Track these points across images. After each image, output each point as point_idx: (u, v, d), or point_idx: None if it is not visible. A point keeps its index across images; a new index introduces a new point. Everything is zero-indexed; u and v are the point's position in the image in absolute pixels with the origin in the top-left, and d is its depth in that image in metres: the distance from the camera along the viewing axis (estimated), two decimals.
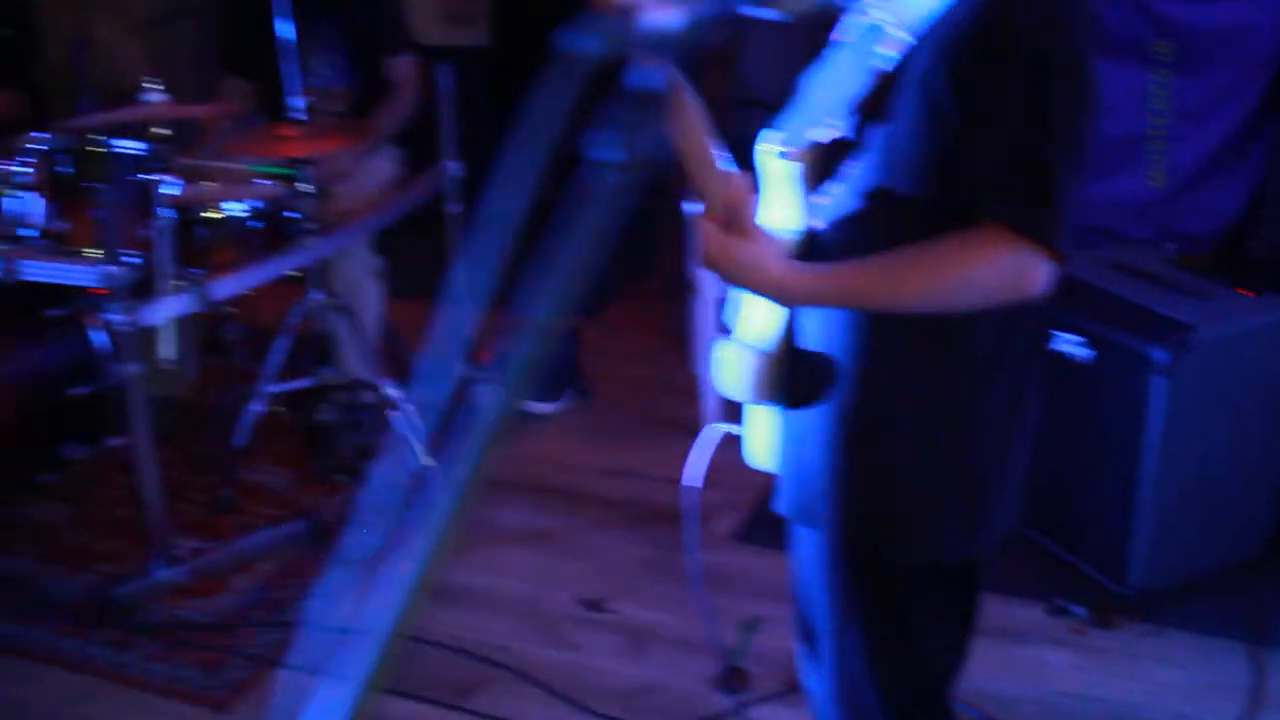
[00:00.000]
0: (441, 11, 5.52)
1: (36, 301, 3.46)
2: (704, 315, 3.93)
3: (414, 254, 4.06)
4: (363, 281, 3.88)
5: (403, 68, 4.10)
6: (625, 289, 5.17)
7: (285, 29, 3.66)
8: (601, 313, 4.89)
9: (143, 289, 3.03)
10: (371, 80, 4.09)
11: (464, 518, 1.15)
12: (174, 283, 3.07)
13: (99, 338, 3.53)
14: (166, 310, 3.07)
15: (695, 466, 2.92)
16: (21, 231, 3.21)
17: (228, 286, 3.20)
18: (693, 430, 3.97)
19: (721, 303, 3.84)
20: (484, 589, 3.33)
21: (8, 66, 4.85)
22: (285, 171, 3.47)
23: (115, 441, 3.67)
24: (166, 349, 3.07)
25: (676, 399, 4.21)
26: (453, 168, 3.87)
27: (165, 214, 3.07)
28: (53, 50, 5.50)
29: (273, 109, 3.82)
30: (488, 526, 3.60)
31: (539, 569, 3.42)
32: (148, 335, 3.12)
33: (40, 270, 3.12)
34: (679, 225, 4.47)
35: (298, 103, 3.51)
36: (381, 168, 4.06)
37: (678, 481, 3.76)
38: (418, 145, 4.14)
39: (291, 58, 3.89)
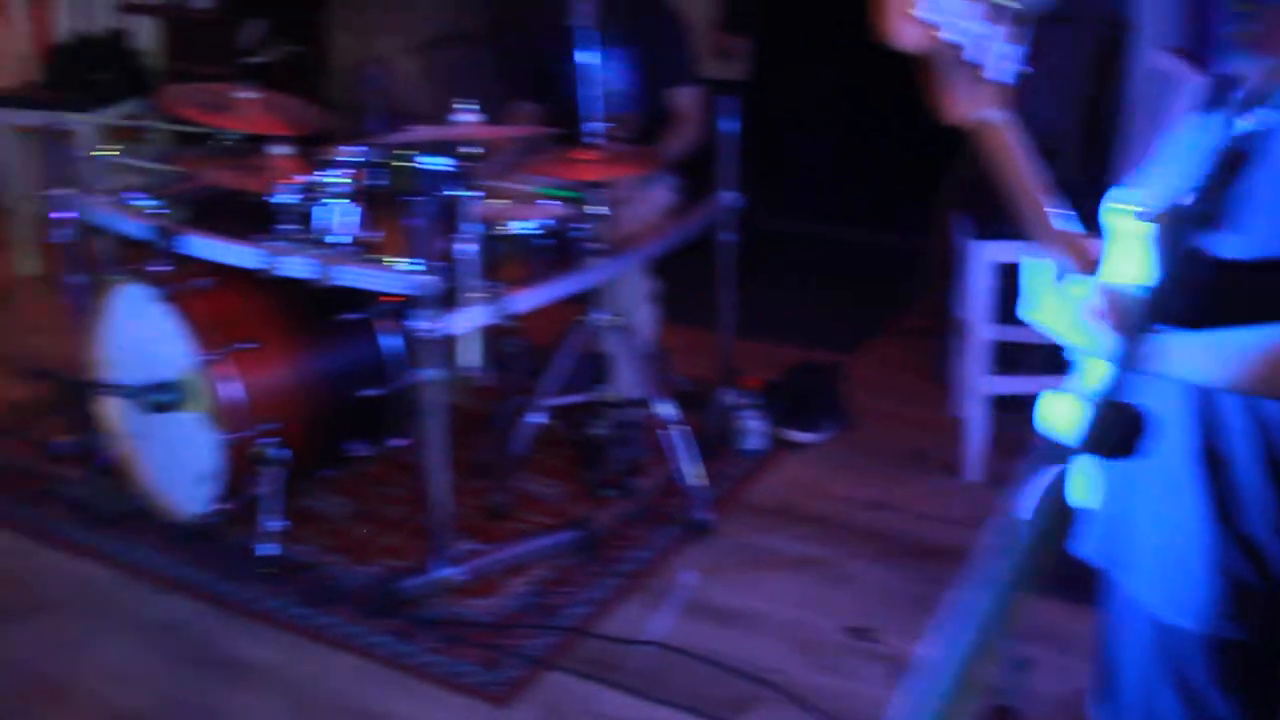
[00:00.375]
0: (709, 47, 5.65)
1: (333, 306, 3.64)
2: (974, 357, 3.94)
3: (685, 280, 4.16)
4: (639, 304, 3.99)
5: (687, 99, 4.23)
6: (886, 324, 5.22)
7: (585, 56, 3.80)
8: (863, 347, 4.95)
9: (448, 299, 3.17)
10: (656, 109, 4.23)
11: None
12: (477, 294, 3.21)
13: (390, 342, 3.72)
14: (470, 320, 3.22)
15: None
16: (332, 238, 3.39)
17: (525, 301, 3.33)
18: (952, 470, 4.01)
19: (993, 345, 3.88)
20: (753, 611, 3.40)
21: (299, 82, 5.09)
22: (573, 194, 3.61)
23: (396, 442, 3.84)
24: (468, 358, 3.22)
25: (935, 437, 4.24)
26: (728, 198, 3.96)
27: (472, 228, 3.21)
28: (337, 68, 5.78)
29: (562, 133, 3.97)
30: (754, 549, 3.68)
31: (806, 595, 3.48)
32: (447, 344, 3.26)
33: (352, 275, 3.30)
34: (944, 262, 4.51)
35: (595, 128, 3.63)
36: (660, 194, 4.19)
37: (940, 518, 3.81)
38: (693, 174, 4.26)
39: (589, 84, 4.04)
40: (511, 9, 5.85)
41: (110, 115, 5.71)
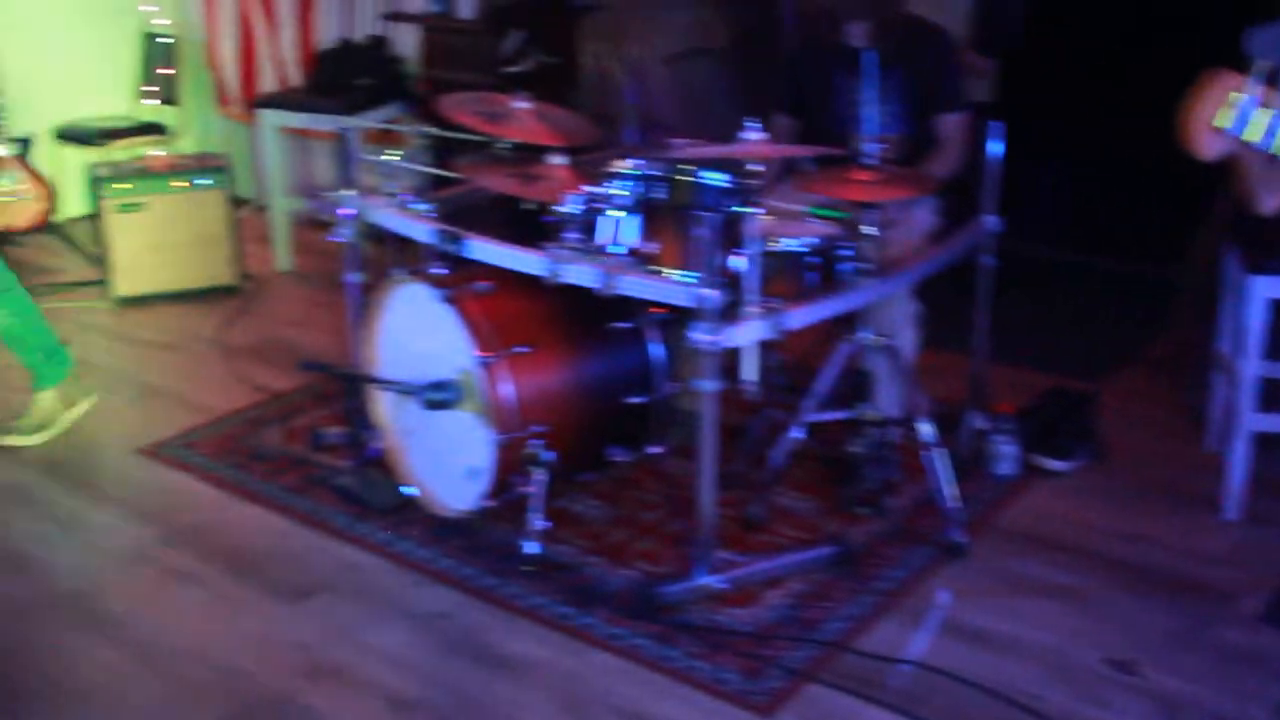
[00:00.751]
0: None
1: (603, 313, 3.73)
2: (1240, 393, 3.88)
3: (932, 302, 4.16)
4: (903, 325, 4.01)
5: (953, 123, 4.24)
6: (1135, 354, 5.16)
7: (856, 76, 3.83)
8: (1112, 375, 4.90)
9: (728, 313, 3.23)
10: (921, 132, 4.24)
11: None
12: (756, 310, 3.27)
13: (656, 351, 3.80)
14: (749, 335, 3.27)
15: None
16: (611, 249, 3.48)
17: (800, 318, 3.37)
18: (1211, 506, 3.96)
19: (1261, 382, 3.82)
20: (1009, 635, 3.39)
21: (553, 91, 5.21)
22: (838, 214, 3.64)
23: (654, 449, 3.92)
24: (748, 371, 3.27)
25: (1190, 471, 4.19)
26: (990, 222, 3.96)
27: (752, 245, 3.26)
28: (588, 77, 5.90)
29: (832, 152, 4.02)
30: (1009, 574, 3.68)
31: (1063, 622, 3.46)
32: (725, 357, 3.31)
33: (633, 286, 3.38)
34: (1203, 294, 4.45)
35: (870, 149, 3.66)
36: (924, 217, 4.21)
37: (1199, 555, 3.76)
38: (955, 197, 4.26)
39: (858, 105, 4.08)
40: (765, 25, 5.93)
41: (370, 119, 5.91)
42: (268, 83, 6.74)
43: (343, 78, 6.00)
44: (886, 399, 3.95)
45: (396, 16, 6.03)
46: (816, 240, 3.56)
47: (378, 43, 6.12)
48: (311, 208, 6.61)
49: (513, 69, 5.68)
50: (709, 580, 3.49)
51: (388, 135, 6.11)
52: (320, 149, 6.68)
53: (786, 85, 4.50)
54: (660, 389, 3.81)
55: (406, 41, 6.15)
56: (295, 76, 6.60)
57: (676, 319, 3.74)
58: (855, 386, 3.93)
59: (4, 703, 3.23)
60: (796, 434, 3.81)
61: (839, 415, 3.88)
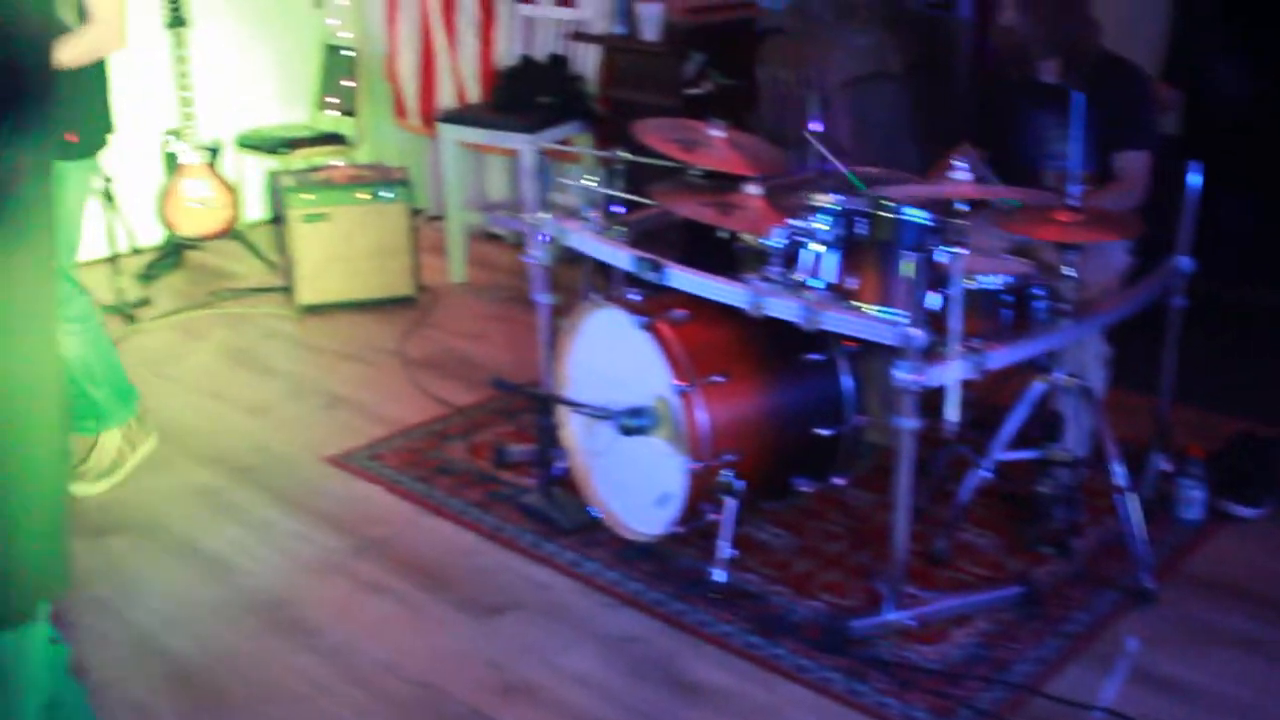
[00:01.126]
0: None
1: (796, 344, 3.75)
2: None
3: (1128, 341, 4.12)
4: (1093, 366, 3.98)
5: (1134, 160, 4.20)
6: None
7: (1051, 112, 3.81)
8: None
9: (930, 352, 3.24)
10: (1103, 166, 4.21)
11: None
12: (959, 349, 3.27)
13: (847, 383, 3.82)
14: (953, 374, 3.28)
15: None
16: (811, 282, 3.50)
17: (1001, 358, 3.37)
18: None
19: None
20: (1200, 686, 3.35)
21: (732, 114, 5.24)
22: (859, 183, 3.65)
23: (838, 480, 3.94)
24: (951, 411, 3.27)
25: None
26: (1184, 262, 3.91)
27: (957, 284, 3.27)
28: (767, 101, 5.91)
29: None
30: (1198, 622, 3.63)
31: (1256, 676, 3.41)
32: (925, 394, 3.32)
33: (836, 321, 3.40)
34: None
35: (1075, 189, 3.64)
36: (1119, 257, 4.17)
37: None
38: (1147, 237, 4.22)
39: (1053, 140, 4.06)
40: (944, 52, 5.91)
41: (549, 137, 6.00)
42: (446, 97, 6.85)
43: (524, 95, 6.08)
44: (1077, 440, 3.93)
45: (581, 37, 6.10)
46: (1011, 278, 3.55)
47: (558, 61, 6.20)
48: (489, 220, 6.72)
49: (693, 91, 5.73)
50: (897, 616, 3.50)
51: (569, 155, 6.22)
52: (494, 163, 6.78)
53: (975, 116, 4.49)
54: (849, 421, 3.83)
55: (586, 60, 6.22)
56: (473, 92, 6.71)
57: (866, 352, 3.76)
58: (1044, 425, 3.90)
59: (211, 705, 3.34)
60: (984, 473, 3.80)
61: (1029, 455, 3.86)
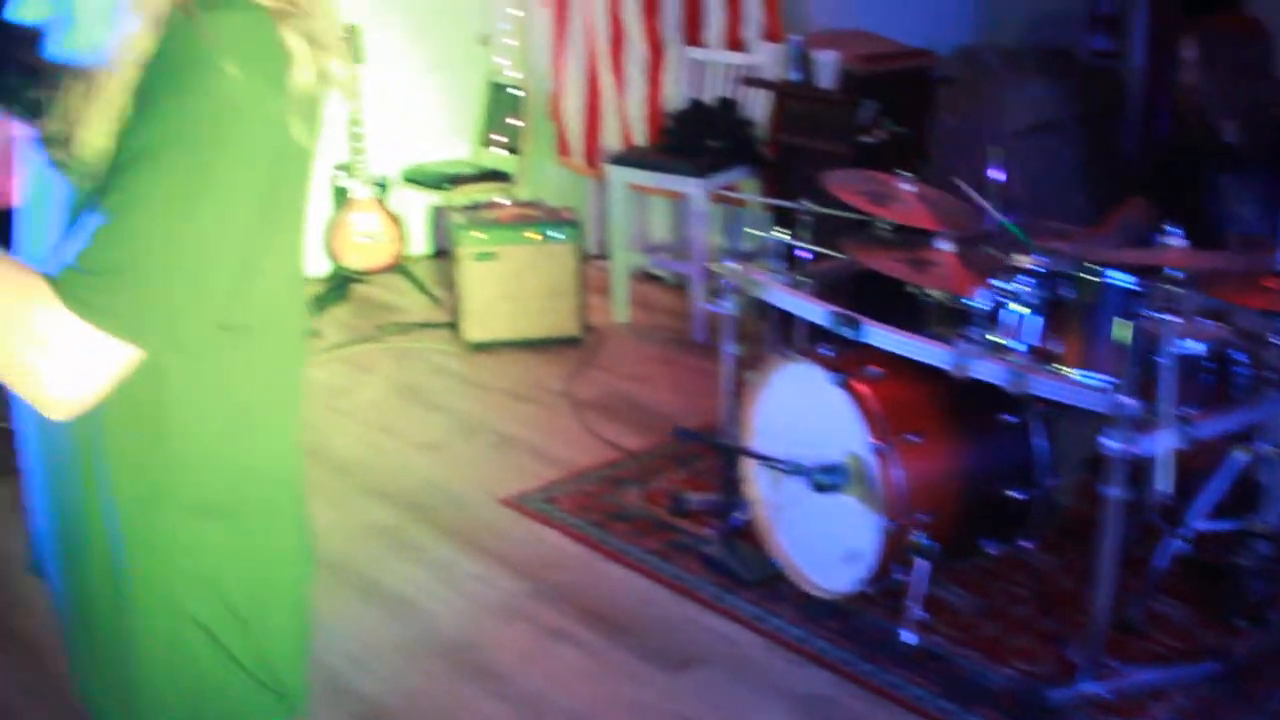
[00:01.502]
0: None
1: (989, 405, 3.71)
2: None
3: None
4: None
5: None
6: None
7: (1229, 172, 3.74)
8: None
9: (1141, 420, 3.18)
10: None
11: None
12: (1171, 418, 3.20)
13: (1041, 445, 3.76)
14: (1164, 443, 3.21)
15: None
16: (1013, 345, 3.46)
17: (1211, 427, 3.30)
18: None
19: None
20: None
21: (904, 163, 5.20)
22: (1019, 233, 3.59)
23: (1025, 543, 3.88)
24: (1163, 482, 3.21)
25: None
26: None
27: (1170, 351, 3.20)
28: (938, 150, 5.88)
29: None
30: None
31: None
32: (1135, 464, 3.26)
33: (1045, 387, 3.35)
34: None
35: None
36: None
37: None
38: None
39: (1237, 201, 3.98)
40: (1113, 102, 5.83)
41: (718, 181, 6.00)
42: (610, 137, 6.89)
43: (693, 138, 6.09)
44: (1276, 511, 3.83)
45: (755, 82, 6.10)
46: (1213, 344, 3.48)
47: (728, 105, 6.20)
48: (652, 262, 6.74)
49: (866, 139, 5.70)
50: (1094, 688, 3.43)
51: (738, 200, 6.22)
52: (657, 204, 6.81)
53: (1152, 171, 4.42)
54: (1042, 484, 3.77)
55: (754, 105, 6.22)
56: (639, 133, 6.74)
57: (1061, 414, 3.70)
58: (1242, 495, 3.81)
59: None
60: (1180, 543, 3.71)
61: (1228, 526, 3.77)
